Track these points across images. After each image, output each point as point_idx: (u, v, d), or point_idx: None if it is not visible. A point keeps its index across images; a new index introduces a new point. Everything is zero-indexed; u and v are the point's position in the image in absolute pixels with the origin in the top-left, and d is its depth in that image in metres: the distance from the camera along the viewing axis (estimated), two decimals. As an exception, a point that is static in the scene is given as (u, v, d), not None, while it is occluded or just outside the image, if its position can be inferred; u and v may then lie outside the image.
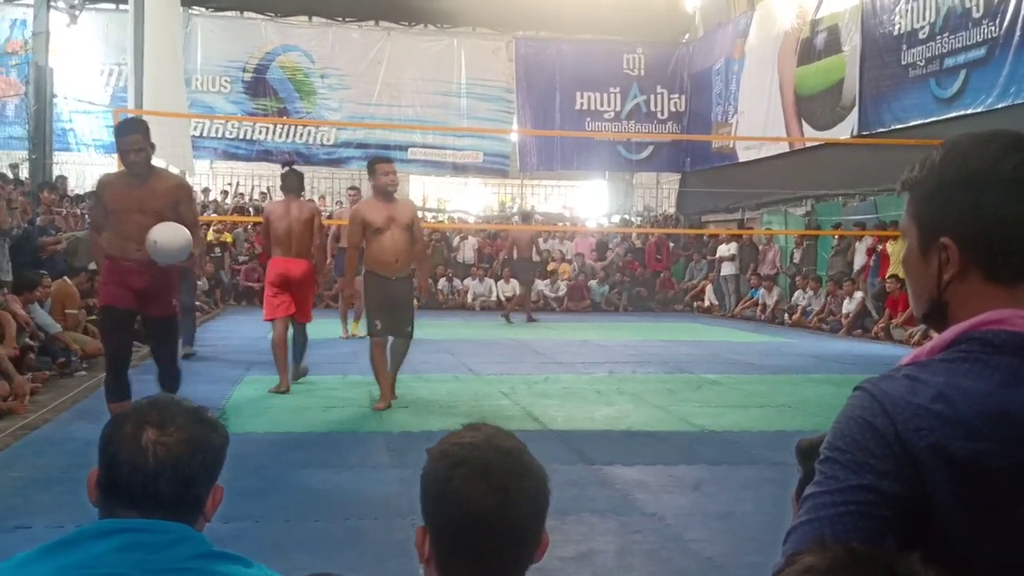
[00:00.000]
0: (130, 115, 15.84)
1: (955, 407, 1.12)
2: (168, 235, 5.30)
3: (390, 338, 7.35)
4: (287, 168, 8.62)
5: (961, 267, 1.20)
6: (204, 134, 21.86)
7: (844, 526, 1.09)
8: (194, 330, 10.69)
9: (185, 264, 5.70)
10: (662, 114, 23.69)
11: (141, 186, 5.49)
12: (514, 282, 17.73)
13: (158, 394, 1.70)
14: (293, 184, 8.35)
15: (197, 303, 15.65)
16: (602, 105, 23.48)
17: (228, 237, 19.29)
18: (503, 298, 19.56)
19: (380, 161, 7.46)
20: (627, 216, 24.31)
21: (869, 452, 1.12)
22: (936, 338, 1.21)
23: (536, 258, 17.70)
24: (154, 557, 1.52)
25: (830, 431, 1.19)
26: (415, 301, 7.56)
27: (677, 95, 23.68)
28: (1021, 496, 1.11)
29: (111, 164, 15.25)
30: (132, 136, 5.51)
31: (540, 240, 21.31)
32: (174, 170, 20.56)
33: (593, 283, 20.22)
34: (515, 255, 16.58)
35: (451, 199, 25.62)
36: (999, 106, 13.08)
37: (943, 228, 1.20)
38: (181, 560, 1.53)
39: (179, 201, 5.60)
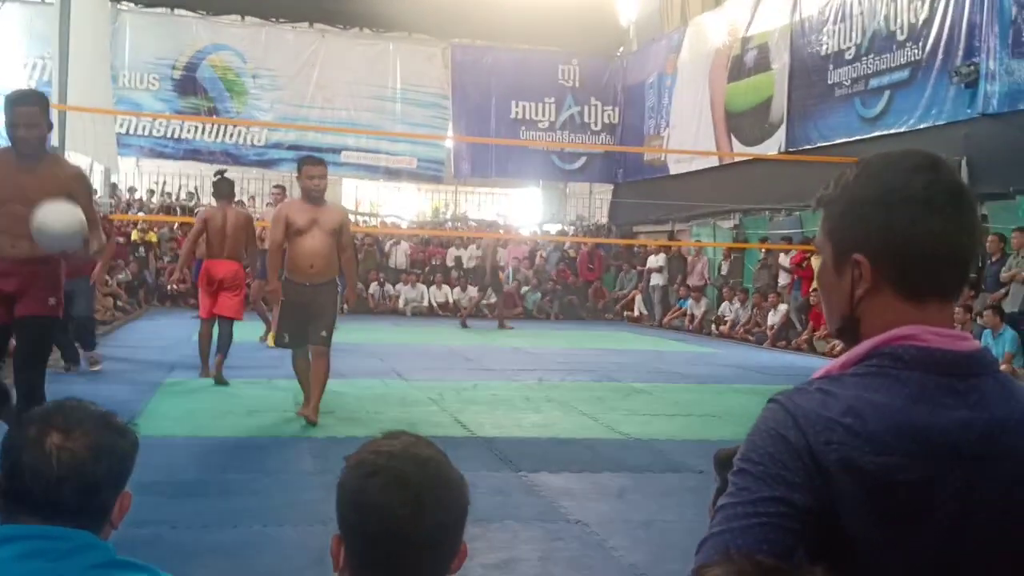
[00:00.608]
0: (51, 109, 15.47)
1: (864, 421, 1.12)
2: (56, 215, 4.41)
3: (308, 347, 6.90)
4: (219, 176, 9.00)
5: (873, 283, 1.21)
6: (131, 131, 21.36)
7: (755, 537, 1.09)
8: (94, 340, 9.42)
9: (78, 255, 4.85)
10: (596, 125, 23.90)
11: (28, 171, 4.58)
12: (446, 288, 17.77)
13: (65, 398, 1.64)
14: (225, 191, 8.88)
15: (119, 303, 15.31)
16: (537, 115, 23.59)
17: (153, 237, 18.89)
18: (435, 303, 19.53)
19: (308, 162, 7.03)
20: (562, 225, 24.46)
21: (781, 464, 1.12)
22: (848, 353, 1.22)
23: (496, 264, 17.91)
24: (55, 565, 1.47)
25: (744, 443, 1.19)
26: (339, 309, 7.05)
27: (611, 107, 23.92)
28: (927, 510, 1.12)
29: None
30: (26, 108, 4.61)
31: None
32: (86, 159, 20.16)
33: (526, 290, 20.28)
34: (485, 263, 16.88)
35: (384, 204, 25.46)
36: (921, 126, 13.49)
37: (856, 245, 1.22)
38: (83, 569, 1.48)
39: (74, 195, 4.58)
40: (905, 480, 1.11)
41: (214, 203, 9.00)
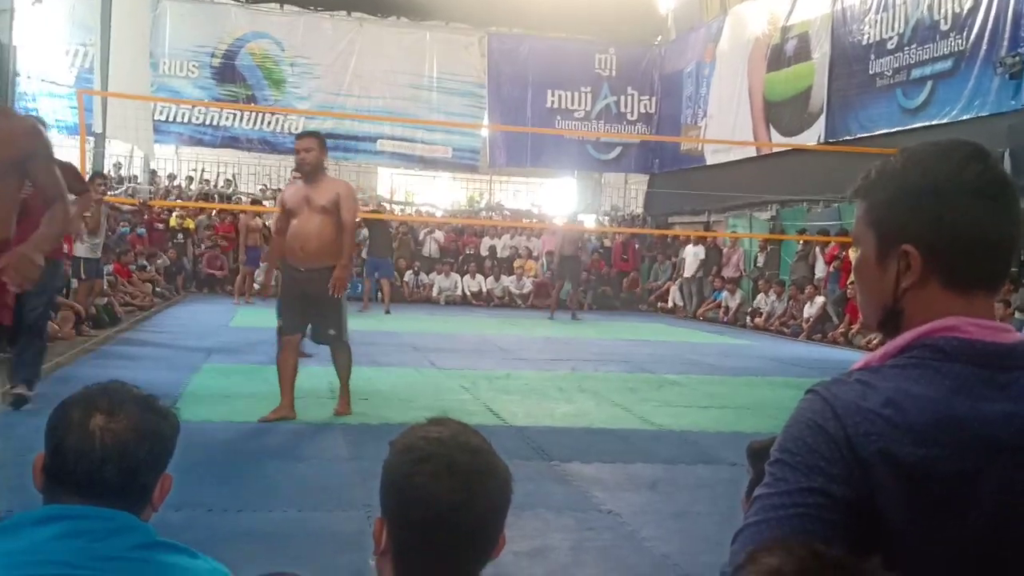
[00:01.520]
0: (94, 96, 15.68)
1: (904, 413, 1.12)
2: None
3: (307, 338, 6.77)
4: None
5: (921, 275, 1.20)
6: (170, 119, 21.60)
7: (793, 528, 1.09)
8: (39, 367, 6.79)
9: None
10: (632, 115, 23.78)
11: None
12: (493, 278, 17.77)
13: (109, 381, 1.67)
14: None
15: (157, 289, 15.47)
16: (573, 104, 23.52)
17: (190, 224, 19.09)
18: (468, 292, 19.58)
19: (297, 137, 6.74)
20: (596, 216, 24.39)
21: (819, 455, 1.12)
22: (888, 344, 1.21)
23: (584, 257, 17.72)
24: (96, 545, 1.50)
25: (781, 433, 1.18)
26: (342, 300, 6.44)
27: (647, 97, 23.78)
28: (967, 503, 1.11)
29: (74, 146, 15.06)
30: None
31: (508, 237, 21.37)
32: (127, 146, 20.27)
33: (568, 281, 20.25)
34: (562, 252, 16.77)
35: (419, 192, 25.53)
36: (963, 118, 13.28)
37: (905, 236, 1.20)
38: (124, 549, 1.50)
39: (29, 155, 3.61)
40: (945, 472, 1.10)
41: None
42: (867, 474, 1.11)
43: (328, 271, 6.31)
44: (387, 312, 15.84)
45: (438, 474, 1.30)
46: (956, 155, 1.21)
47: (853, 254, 1.30)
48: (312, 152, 6.38)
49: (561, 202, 25.84)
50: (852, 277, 1.32)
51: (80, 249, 10.99)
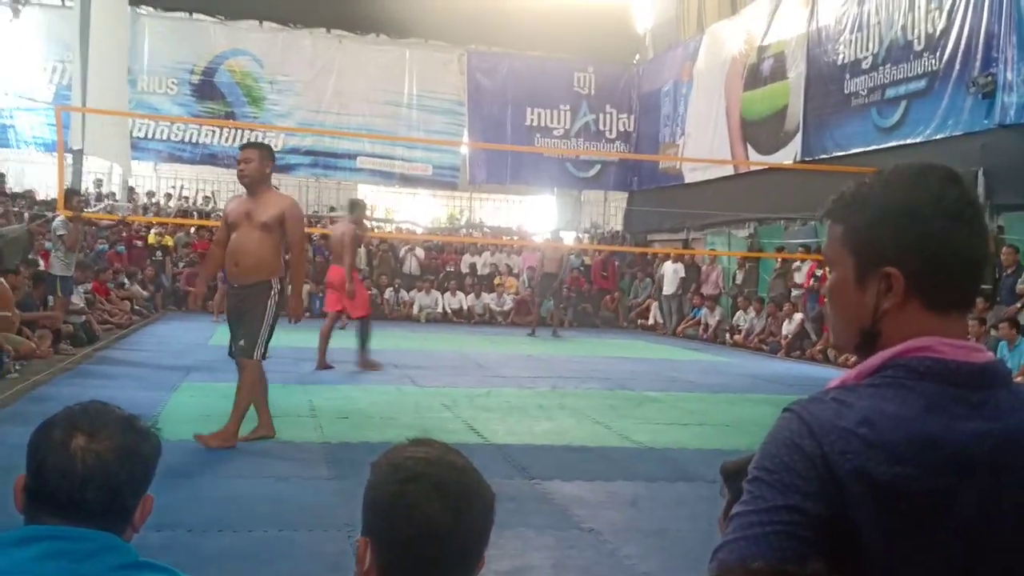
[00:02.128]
0: (72, 112, 15.59)
1: (879, 432, 1.13)
2: None
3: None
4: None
5: (903, 297, 1.21)
6: (149, 136, 21.52)
7: (769, 545, 1.10)
8: None
9: None
10: (611, 133, 23.92)
11: None
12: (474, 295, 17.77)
13: (89, 401, 1.67)
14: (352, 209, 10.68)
15: (135, 306, 15.38)
16: (552, 122, 23.64)
17: (169, 241, 19.00)
18: (449, 310, 19.56)
19: (241, 147, 6.56)
20: (576, 233, 24.46)
21: (796, 473, 1.13)
22: (863, 364, 1.23)
23: (562, 275, 17.79)
24: (77, 566, 1.49)
25: (758, 451, 1.19)
26: (271, 316, 6.12)
27: (626, 115, 23.94)
28: (941, 522, 1.13)
29: (52, 162, 14.96)
30: None
31: (487, 255, 21.38)
32: (106, 164, 20.09)
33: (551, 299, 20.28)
34: (543, 269, 16.87)
35: (399, 210, 25.54)
36: (938, 137, 13.44)
37: (887, 258, 1.21)
38: (105, 570, 1.50)
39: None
40: (919, 491, 1.12)
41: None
42: (842, 492, 1.12)
43: (259, 286, 6.08)
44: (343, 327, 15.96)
45: (427, 494, 1.31)
46: (933, 178, 1.23)
47: (830, 275, 1.31)
48: (252, 163, 6.13)
49: (541, 219, 25.93)
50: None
51: (57, 266, 10.93)
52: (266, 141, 22.06)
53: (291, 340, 11.96)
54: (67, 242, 10.86)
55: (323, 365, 10.10)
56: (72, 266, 11.20)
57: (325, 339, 10.19)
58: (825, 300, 1.31)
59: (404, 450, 1.38)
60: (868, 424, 1.14)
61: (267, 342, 6.17)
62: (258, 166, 6.16)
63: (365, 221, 12.11)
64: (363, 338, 10.33)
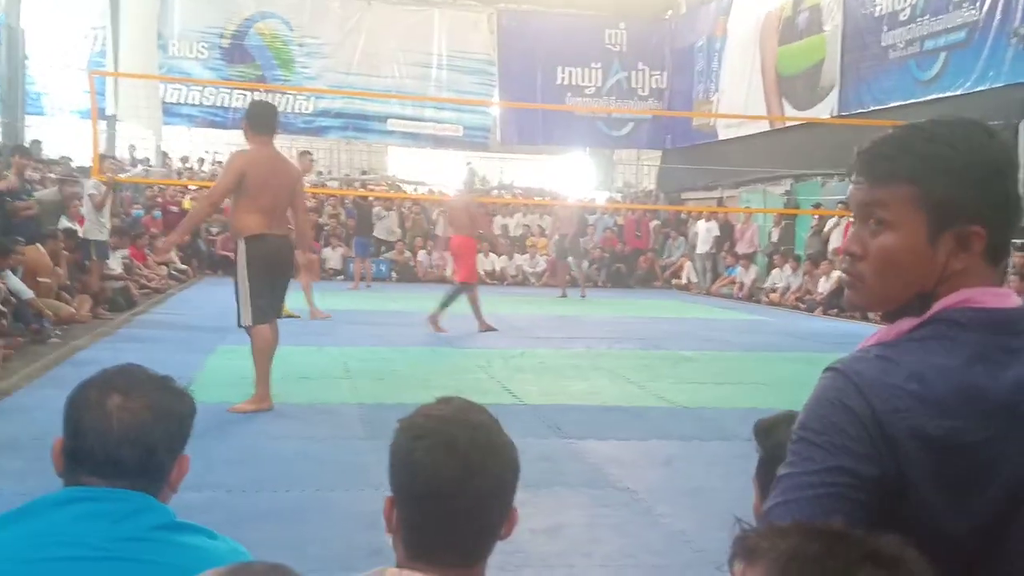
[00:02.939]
0: (105, 78, 15.69)
1: (929, 386, 1.12)
2: None
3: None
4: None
5: (980, 253, 1.19)
6: (181, 100, 21.61)
7: (822, 508, 1.09)
8: None
9: None
10: (643, 90, 23.65)
11: None
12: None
13: (125, 363, 1.68)
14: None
15: (172, 271, 15.54)
16: (583, 80, 23.40)
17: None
18: (482, 272, 19.56)
19: None
20: (609, 192, 24.32)
21: (845, 434, 1.11)
22: (901, 320, 1.21)
23: (584, 234, 17.85)
24: (116, 526, 1.51)
25: (803, 412, 1.17)
26: (238, 279, 6.09)
27: (659, 72, 23.63)
28: (995, 470, 1.12)
29: (87, 129, 15.09)
30: None
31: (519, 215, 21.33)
32: (140, 129, 20.24)
33: (571, 259, 20.23)
34: (560, 231, 17.00)
35: (430, 172, 25.52)
36: (978, 89, 13.15)
37: (969, 217, 1.18)
38: (143, 530, 1.52)
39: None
40: (970, 442, 1.11)
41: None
42: (896, 451, 1.10)
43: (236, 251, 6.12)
44: (368, 286, 16.29)
45: (434, 449, 1.33)
46: (987, 130, 1.22)
47: (886, 239, 1.21)
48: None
49: (573, 179, 25.78)
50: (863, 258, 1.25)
51: (91, 231, 11.04)
52: (297, 103, 22.14)
53: (333, 302, 12.08)
54: (95, 201, 10.99)
55: (485, 326, 10.62)
56: (106, 230, 11.32)
57: (475, 303, 10.66)
58: (866, 261, 1.24)
59: (424, 409, 1.40)
60: (917, 379, 1.12)
61: (251, 305, 5.99)
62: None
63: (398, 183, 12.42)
64: (447, 299, 10.59)
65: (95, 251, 11.04)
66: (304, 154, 11.70)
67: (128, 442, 1.55)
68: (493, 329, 10.51)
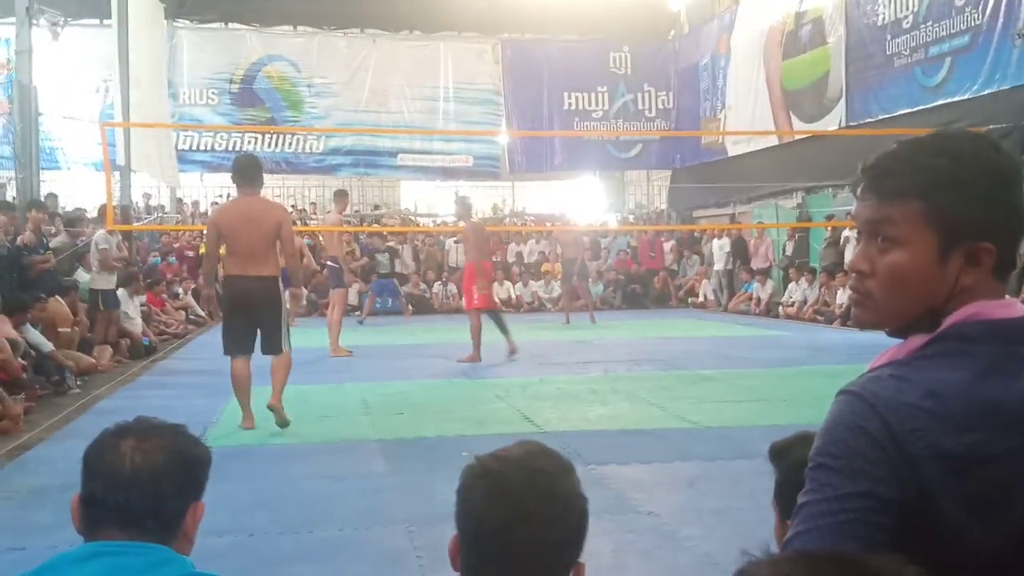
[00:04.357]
0: (117, 129, 15.88)
1: (944, 402, 1.11)
2: None
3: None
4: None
5: (990, 269, 1.18)
6: (193, 147, 21.84)
7: (844, 534, 1.08)
8: None
9: None
10: (650, 111, 23.71)
11: None
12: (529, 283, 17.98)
13: (140, 416, 1.71)
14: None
15: (191, 316, 15.63)
16: (590, 104, 23.49)
17: (221, 250, 19.24)
18: (497, 300, 19.54)
19: None
20: (620, 214, 24.33)
21: (864, 457, 1.10)
22: (911, 337, 1.21)
23: (587, 258, 17.72)
24: (137, 581, 1.52)
25: (819, 437, 1.16)
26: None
27: (664, 92, 23.71)
28: (1018, 483, 1.11)
29: (100, 181, 15.26)
30: None
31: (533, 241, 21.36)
32: (159, 181, 20.45)
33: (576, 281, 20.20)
34: (563, 256, 16.82)
35: (443, 204, 25.64)
36: (985, 92, 13.12)
37: (982, 233, 1.17)
38: (163, 583, 1.52)
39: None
40: (990, 456, 1.10)
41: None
42: (915, 471, 1.09)
43: None
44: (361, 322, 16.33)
45: (489, 490, 1.32)
46: (992, 143, 1.21)
47: (895, 256, 1.20)
48: None
49: (585, 203, 25.83)
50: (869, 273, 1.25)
51: (97, 280, 11.14)
52: (307, 143, 22.35)
53: (351, 338, 12.10)
54: (102, 262, 11.11)
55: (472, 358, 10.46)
56: (112, 279, 11.42)
57: (503, 329, 10.76)
58: (875, 279, 1.23)
59: (498, 450, 1.40)
60: (933, 396, 1.11)
61: (223, 338, 6.80)
62: None
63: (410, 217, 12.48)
64: (500, 327, 10.80)
65: (102, 301, 11.14)
66: (339, 193, 12.27)
67: (140, 483, 1.57)
68: (478, 360, 10.37)
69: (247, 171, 6.86)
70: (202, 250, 18.79)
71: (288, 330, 6.86)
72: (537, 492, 1.32)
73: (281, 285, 6.90)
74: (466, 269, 10.94)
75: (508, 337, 10.75)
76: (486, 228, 11.83)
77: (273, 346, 6.76)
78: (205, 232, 7.08)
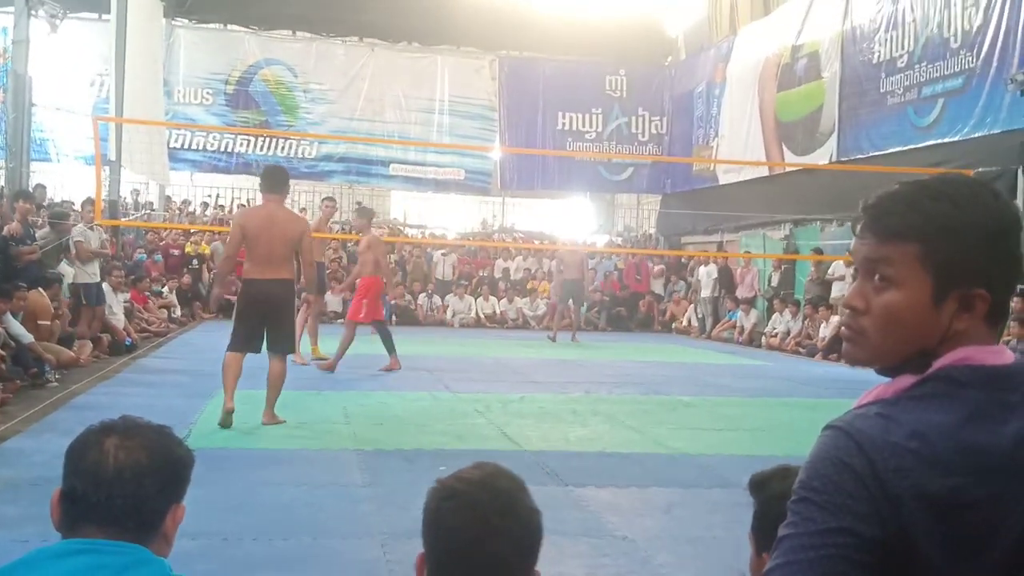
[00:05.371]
0: (109, 124, 15.83)
1: (930, 444, 1.12)
2: None
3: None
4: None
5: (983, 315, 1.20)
6: (185, 146, 21.79)
7: (823, 570, 1.08)
8: None
9: None
10: (643, 136, 23.85)
11: None
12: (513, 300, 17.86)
13: (124, 415, 1.71)
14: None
15: (172, 315, 15.54)
16: (584, 125, 23.61)
17: (206, 249, 19.19)
18: (482, 315, 19.59)
19: None
20: (609, 236, 24.40)
21: (846, 493, 1.11)
22: (899, 378, 1.22)
23: (586, 279, 17.46)
24: (114, 580, 1.51)
25: (803, 471, 1.17)
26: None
27: (658, 117, 23.85)
28: (996, 529, 1.11)
29: (90, 175, 15.20)
30: None
31: (520, 258, 21.38)
32: (136, 177, 20.40)
33: (571, 302, 20.22)
34: (564, 275, 16.50)
35: (432, 216, 25.67)
36: (976, 135, 13.26)
37: (977, 280, 1.18)
38: (140, 584, 1.52)
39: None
40: (973, 500, 1.10)
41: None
42: (897, 511, 1.09)
43: None
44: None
45: (459, 511, 1.42)
46: (990, 190, 1.22)
47: (891, 296, 1.21)
48: None
49: (574, 223, 25.90)
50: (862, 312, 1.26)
51: (79, 275, 11.10)
52: (300, 148, 22.34)
53: (332, 347, 12.06)
54: (79, 252, 11.08)
55: (327, 366, 10.31)
56: (95, 275, 11.37)
57: (389, 346, 10.63)
58: (869, 316, 1.24)
59: (459, 472, 1.50)
60: (919, 437, 1.12)
61: (232, 334, 7.16)
62: None
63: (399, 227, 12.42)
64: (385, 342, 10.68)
65: (84, 295, 11.08)
66: (326, 200, 12.53)
67: (123, 481, 1.56)
68: (332, 371, 10.18)
69: (274, 179, 7.31)
70: (187, 249, 18.79)
71: (294, 334, 7.25)
72: (501, 509, 1.43)
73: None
74: (361, 283, 10.69)
75: (393, 355, 10.59)
76: (383, 243, 11.52)
77: (282, 344, 7.10)
78: (230, 233, 7.45)
